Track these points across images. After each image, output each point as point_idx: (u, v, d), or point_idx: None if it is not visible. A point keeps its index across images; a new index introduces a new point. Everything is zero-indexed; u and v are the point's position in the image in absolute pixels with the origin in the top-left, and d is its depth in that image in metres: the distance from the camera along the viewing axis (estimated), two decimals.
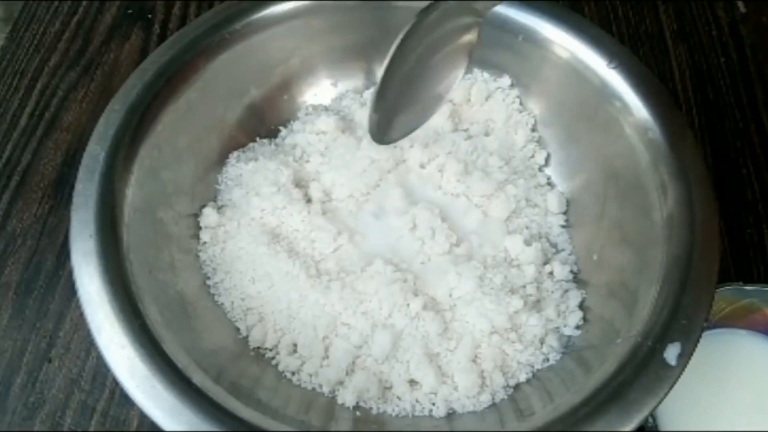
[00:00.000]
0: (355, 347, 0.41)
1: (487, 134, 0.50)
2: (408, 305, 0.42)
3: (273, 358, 0.42)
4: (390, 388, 0.41)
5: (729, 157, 0.54)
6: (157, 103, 0.44)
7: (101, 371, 0.45)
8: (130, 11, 0.62)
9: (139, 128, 0.43)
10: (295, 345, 0.42)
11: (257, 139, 0.50)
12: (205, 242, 0.45)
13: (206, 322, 0.42)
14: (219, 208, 0.47)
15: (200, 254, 0.45)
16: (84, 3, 0.63)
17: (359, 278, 0.43)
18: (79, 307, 0.47)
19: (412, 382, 0.41)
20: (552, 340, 0.42)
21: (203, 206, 0.47)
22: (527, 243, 0.45)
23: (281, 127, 0.51)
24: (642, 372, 0.35)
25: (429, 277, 0.44)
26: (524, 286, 0.44)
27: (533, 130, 0.50)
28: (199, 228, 0.46)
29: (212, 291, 0.44)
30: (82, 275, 0.37)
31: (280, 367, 0.42)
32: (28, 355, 0.46)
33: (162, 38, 0.60)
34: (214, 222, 0.46)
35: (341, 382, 0.41)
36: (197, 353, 0.38)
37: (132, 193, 0.41)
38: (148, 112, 0.43)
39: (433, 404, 0.40)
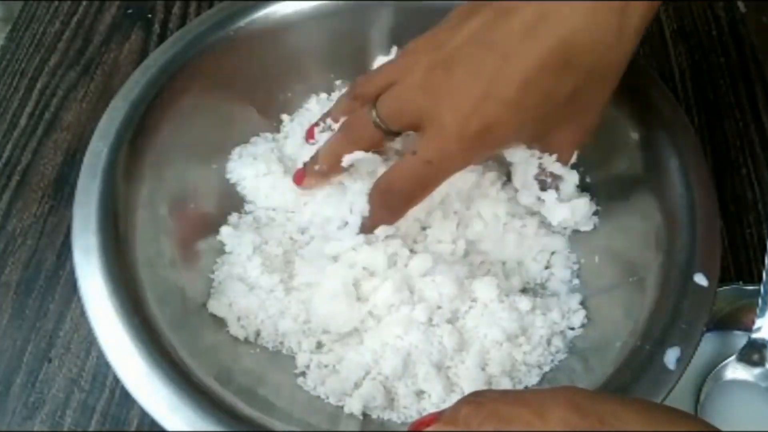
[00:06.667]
0: (366, 363, 0.41)
1: None
2: (420, 322, 0.41)
3: (275, 356, 0.42)
4: (396, 398, 0.40)
5: (729, 157, 0.54)
6: (160, 99, 0.44)
7: (101, 371, 0.45)
8: (130, 11, 0.62)
9: (142, 125, 0.43)
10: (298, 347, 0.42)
11: (260, 134, 0.50)
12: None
13: (207, 319, 0.42)
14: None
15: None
16: (84, 3, 0.63)
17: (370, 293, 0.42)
18: (79, 306, 0.47)
19: (420, 392, 0.40)
20: (557, 341, 0.42)
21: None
22: (529, 247, 0.45)
23: (283, 125, 0.51)
24: (640, 375, 0.35)
25: (439, 289, 0.42)
26: (528, 289, 0.44)
27: None
28: (200, 224, 0.46)
29: (213, 290, 0.44)
30: (84, 271, 0.37)
31: (283, 367, 0.42)
32: (28, 355, 0.46)
33: (162, 38, 0.60)
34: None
35: (348, 394, 0.40)
36: (198, 350, 0.38)
37: (134, 189, 0.41)
38: (151, 109, 0.43)
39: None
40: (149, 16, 0.62)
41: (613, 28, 0.34)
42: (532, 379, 0.41)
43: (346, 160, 0.42)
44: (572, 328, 0.42)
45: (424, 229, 0.45)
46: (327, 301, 0.41)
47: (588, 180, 0.47)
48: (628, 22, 0.34)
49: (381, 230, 0.42)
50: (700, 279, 0.37)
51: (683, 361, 0.35)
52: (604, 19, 0.34)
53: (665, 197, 0.41)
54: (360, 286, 0.42)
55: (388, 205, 0.41)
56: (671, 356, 0.35)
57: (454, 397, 0.40)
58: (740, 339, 0.44)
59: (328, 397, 0.40)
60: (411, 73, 0.37)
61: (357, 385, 0.40)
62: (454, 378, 0.40)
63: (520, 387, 0.41)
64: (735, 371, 0.43)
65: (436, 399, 0.40)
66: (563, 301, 0.43)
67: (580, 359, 0.41)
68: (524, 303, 0.42)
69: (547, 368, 0.41)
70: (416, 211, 0.43)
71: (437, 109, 0.35)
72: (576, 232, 0.46)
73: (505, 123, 0.35)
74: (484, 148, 0.38)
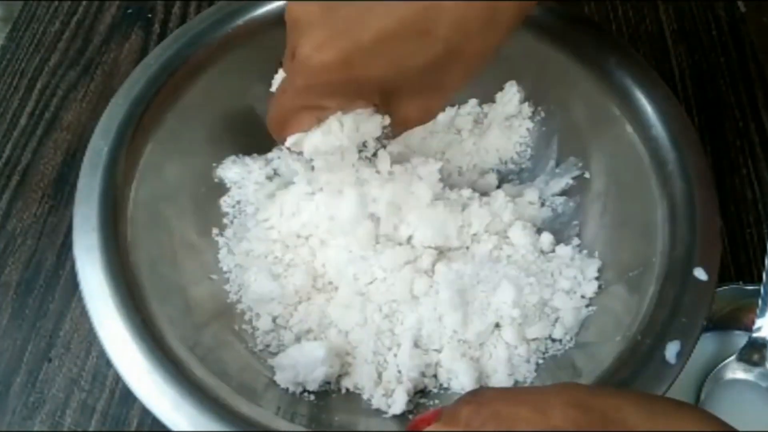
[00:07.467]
0: (375, 357, 0.41)
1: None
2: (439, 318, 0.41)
3: (276, 356, 0.42)
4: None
5: (729, 157, 0.54)
6: (161, 98, 0.44)
7: (101, 371, 0.45)
8: (130, 11, 0.62)
9: (143, 123, 0.43)
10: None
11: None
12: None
13: (209, 318, 0.42)
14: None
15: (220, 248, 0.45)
16: (84, 3, 0.63)
17: (383, 291, 0.42)
18: (79, 306, 0.47)
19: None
20: (558, 334, 0.42)
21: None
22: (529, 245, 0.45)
23: None
24: (641, 370, 0.35)
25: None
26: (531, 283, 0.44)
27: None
28: (201, 223, 0.46)
29: (214, 288, 0.44)
30: (85, 269, 0.37)
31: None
32: (28, 355, 0.46)
33: (162, 38, 0.60)
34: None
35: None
36: (199, 348, 0.38)
37: (135, 188, 0.41)
38: (152, 107, 0.43)
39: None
40: (149, 16, 0.62)
41: (482, 17, 0.34)
42: (521, 376, 0.41)
43: None
44: (572, 327, 0.42)
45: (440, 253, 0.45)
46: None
47: (587, 176, 0.47)
48: (498, 17, 0.34)
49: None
50: (700, 273, 0.37)
51: (684, 355, 0.35)
52: (475, 5, 0.33)
53: (665, 193, 0.41)
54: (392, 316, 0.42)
55: (271, 129, 0.39)
56: (672, 350, 0.35)
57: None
58: (740, 339, 0.44)
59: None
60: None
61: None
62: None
63: (518, 375, 0.41)
64: (735, 371, 0.43)
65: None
66: (576, 265, 0.44)
67: (580, 353, 0.41)
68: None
69: (541, 362, 0.41)
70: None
71: (299, 40, 0.34)
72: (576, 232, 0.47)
73: (354, 65, 0.34)
74: (329, 88, 0.36)
